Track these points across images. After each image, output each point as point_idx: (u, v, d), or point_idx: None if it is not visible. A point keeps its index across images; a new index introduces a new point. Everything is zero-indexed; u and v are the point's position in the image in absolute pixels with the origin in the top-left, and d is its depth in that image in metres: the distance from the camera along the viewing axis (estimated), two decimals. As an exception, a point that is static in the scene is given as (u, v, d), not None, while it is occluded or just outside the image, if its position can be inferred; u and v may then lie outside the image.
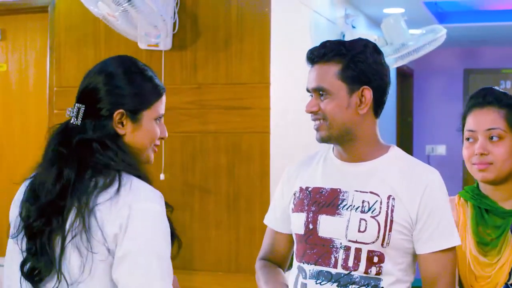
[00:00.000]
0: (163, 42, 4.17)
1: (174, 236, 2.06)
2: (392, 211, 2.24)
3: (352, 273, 2.23)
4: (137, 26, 4.05)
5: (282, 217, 2.47)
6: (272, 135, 4.15)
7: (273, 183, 4.07)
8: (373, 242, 2.23)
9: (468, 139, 2.39)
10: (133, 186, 1.94)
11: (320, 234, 2.29)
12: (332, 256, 2.26)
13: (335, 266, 2.25)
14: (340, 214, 2.27)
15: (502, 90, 2.41)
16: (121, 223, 1.89)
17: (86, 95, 2.04)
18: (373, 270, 2.23)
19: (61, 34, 4.59)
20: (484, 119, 2.35)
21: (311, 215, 2.31)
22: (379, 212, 2.24)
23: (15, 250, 2.01)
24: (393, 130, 8.01)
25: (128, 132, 2.04)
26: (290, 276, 2.38)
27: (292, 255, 2.47)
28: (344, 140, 2.31)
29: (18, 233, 1.99)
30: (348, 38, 5.50)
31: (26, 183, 2.05)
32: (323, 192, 2.33)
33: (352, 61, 2.27)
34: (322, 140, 2.32)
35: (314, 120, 2.32)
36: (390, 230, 2.23)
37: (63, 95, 4.51)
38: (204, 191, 4.28)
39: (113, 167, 1.96)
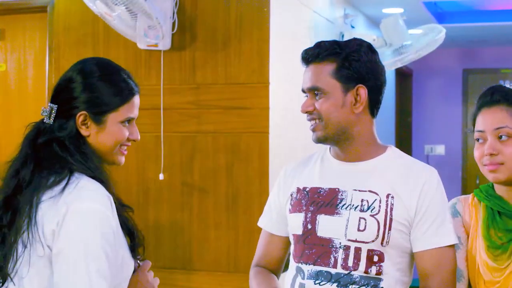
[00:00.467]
0: (162, 42, 4.17)
1: (133, 235, 2.09)
2: (391, 209, 2.24)
3: (352, 273, 2.23)
4: (136, 26, 4.05)
5: (278, 219, 2.46)
6: (271, 135, 4.15)
7: (272, 183, 4.07)
8: (373, 241, 2.23)
9: (478, 139, 2.31)
10: (78, 185, 1.98)
11: (319, 234, 2.28)
12: (332, 256, 2.25)
13: (334, 266, 2.24)
14: (339, 214, 2.27)
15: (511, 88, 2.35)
16: (58, 221, 1.93)
17: (56, 96, 2.11)
18: (373, 269, 2.23)
19: (60, 34, 4.59)
20: (492, 118, 2.28)
21: (310, 215, 2.30)
22: (379, 211, 2.24)
23: None
24: (392, 130, 8.01)
25: (92, 133, 2.08)
26: (287, 277, 2.36)
27: (288, 257, 2.46)
28: (341, 140, 2.31)
29: None
30: (347, 38, 5.49)
31: None
32: (321, 192, 2.32)
33: (346, 60, 2.27)
34: (319, 140, 2.32)
35: (310, 120, 2.32)
36: (389, 229, 2.23)
37: (62, 95, 4.50)
38: (203, 191, 4.28)
39: (67, 167, 2.01)
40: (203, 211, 4.28)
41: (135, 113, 2.14)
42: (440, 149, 8.88)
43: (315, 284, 2.25)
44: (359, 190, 2.28)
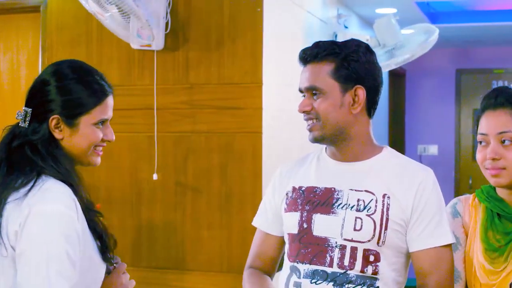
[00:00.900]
0: (155, 42, 4.17)
1: (102, 238, 2.10)
2: (387, 209, 2.24)
3: (348, 272, 2.23)
4: (129, 26, 4.04)
5: (274, 219, 2.46)
6: (264, 135, 4.15)
7: (265, 183, 4.07)
8: (369, 241, 2.23)
9: (480, 142, 2.29)
10: (42, 188, 1.99)
11: (314, 233, 2.28)
12: (328, 255, 2.25)
13: (330, 265, 2.24)
14: (335, 213, 2.27)
15: None
16: (20, 222, 1.95)
17: (30, 99, 2.13)
18: (369, 269, 2.23)
19: (53, 34, 4.58)
20: (496, 122, 2.25)
21: (305, 214, 2.31)
22: (375, 211, 2.24)
23: None
24: (385, 130, 8.02)
25: (65, 136, 2.09)
26: (281, 277, 2.36)
27: (282, 257, 2.46)
28: (338, 140, 2.31)
29: None
30: (340, 38, 5.51)
31: None
32: (317, 191, 2.33)
33: (345, 60, 2.27)
34: (315, 140, 2.32)
35: (307, 120, 2.32)
36: (386, 229, 2.23)
37: (55, 95, 4.50)
38: (197, 191, 4.28)
39: (36, 170, 2.03)
40: (197, 211, 4.28)
41: (108, 114, 2.15)
42: (433, 149, 8.89)
43: (311, 283, 2.26)
44: (355, 190, 2.29)
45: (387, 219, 2.24)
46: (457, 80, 8.88)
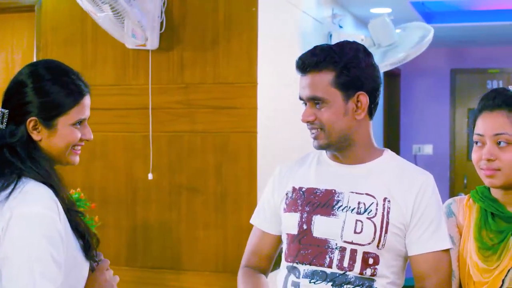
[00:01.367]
0: (150, 41, 4.17)
1: (85, 238, 2.09)
2: (388, 213, 2.25)
3: (347, 273, 2.23)
4: (124, 26, 4.04)
5: (272, 218, 2.45)
6: (259, 135, 4.15)
7: (260, 182, 4.07)
8: (369, 244, 2.23)
9: (476, 142, 2.30)
10: (23, 190, 1.99)
11: (314, 234, 2.28)
12: (327, 257, 2.25)
13: (330, 266, 2.25)
14: (335, 215, 2.27)
15: None
16: (2, 226, 1.94)
17: (7, 101, 2.11)
18: (368, 271, 2.24)
19: (47, 33, 4.58)
20: (493, 124, 2.26)
21: (306, 215, 2.30)
22: (375, 214, 2.25)
23: None
24: (380, 130, 8.02)
25: (44, 138, 2.09)
26: (278, 276, 2.36)
27: (278, 255, 2.46)
28: (343, 146, 2.31)
29: None
30: (335, 38, 5.51)
31: None
32: (318, 193, 2.32)
33: (345, 68, 2.25)
34: (321, 148, 2.32)
35: (311, 129, 2.30)
36: (386, 232, 2.24)
37: (50, 95, 4.49)
38: (192, 191, 4.28)
39: (16, 172, 2.02)
40: (192, 211, 4.28)
41: (86, 114, 2.15)
42: (428, 149, 8.90)
43: (310, 283, 2.26)
44: (356, 193, 2.29)
45: (387, 223, 2.24)
46: (452, 80, 8.89)
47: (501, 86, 2.96)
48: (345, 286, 2.23)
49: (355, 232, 2.24)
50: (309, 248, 2.28)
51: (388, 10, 6.11)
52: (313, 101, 2.28)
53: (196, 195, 4.26)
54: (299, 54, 2.34)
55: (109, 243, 4.32)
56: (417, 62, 6.38)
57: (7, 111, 2.08)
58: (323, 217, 2.28)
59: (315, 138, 2.30)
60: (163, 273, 4.33)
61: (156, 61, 4.32)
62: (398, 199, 2.26)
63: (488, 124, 2.27)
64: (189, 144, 4.28)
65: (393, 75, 8.66)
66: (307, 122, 2.30)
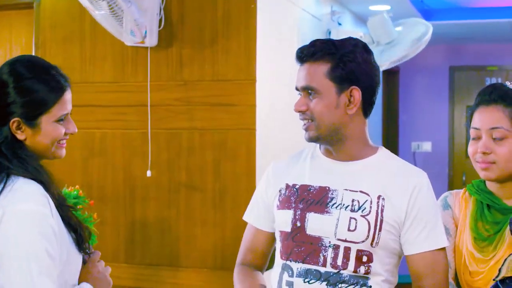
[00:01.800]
0: (148, 39, 4.16)
1: (77, 231, 2.11)
2: (382, 210, 2.24)
3: (341, 272, 2.23)
4: (122, 23, 4.04)
5: (265, 215, 2.45)
6: (258, 132, 4.15)
7: (259, 180, 4.06)
8: (363, 242, 2.23)
9: (473, 137, 2.36)
10: (13, 188, 2.00)
11: (308, 232, 2.28)
12: (321, 255, 2.25)
13: (324, 265, 2.24)
14: (329, 213, 2.27)
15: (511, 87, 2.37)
16: None
17: None
18: (362, 269, 2.23)
19: (46, 31, 4.57)
20: (489, 118, 2.32)
21: (299, 212, 2.30)
22: (369, 212, 2.24)
23: None
24: (379, 127, 8.03)
25: (28, 136, 2.09)
26: (273, 274, 2.36)
27: (273, 252, 2.46)
28: (333, 140, 2.31)
29: None
30: (334, 35, 5.51)
31: None
32: (311, 190, 2.32)
33: (341, 61, 2.25)
34: (311, 140, 2.32)
35: (303, 119, 2.31)
36: (380, 230, 2.23)
37: (48, 92, 4.49)
38: (190, 188, 4.28)
39: (4, 171, 2.03)
40: (190, 208, 4.28)
41: (68, 109, 2.15)
42: (426, 146, 8.90)
43: (304, 282, 2.25)
44: (350, 190, 2.28)
45: (381, 221, 2.24)
46: (450, 77, 8.89)
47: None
48: (339, 285, 2.22)
49: (349, 230, 2.23)
50: (302, 245, 2.28)
51: (387, 7, 6.11)
52: (307, 91, 2.29)
53: (195, 192, 4.26)
54: (298, 51, 2.35)
55: (108, 240, 4.33)
56: (415, 59, 6.38)
57: None
58: (317, 215, 2.27)
59: (306, 130, 2.31)
60: (161, 270, 4.33)
61: (154, 58, 4.32)
62: (392, 197, 2.25)
63: (484, 118, 2.32)
64: (187, 141, 4.28)
65: (391, 72, 8.66)
66: (299, 111, 2.30)
